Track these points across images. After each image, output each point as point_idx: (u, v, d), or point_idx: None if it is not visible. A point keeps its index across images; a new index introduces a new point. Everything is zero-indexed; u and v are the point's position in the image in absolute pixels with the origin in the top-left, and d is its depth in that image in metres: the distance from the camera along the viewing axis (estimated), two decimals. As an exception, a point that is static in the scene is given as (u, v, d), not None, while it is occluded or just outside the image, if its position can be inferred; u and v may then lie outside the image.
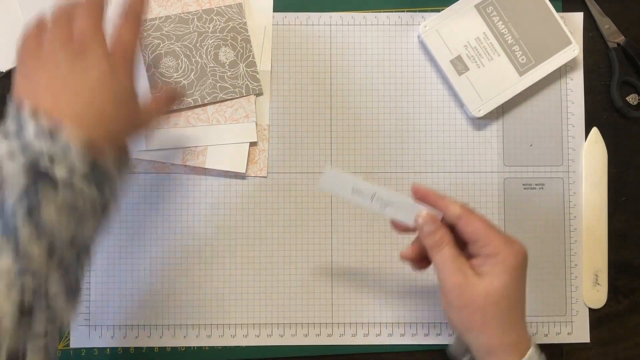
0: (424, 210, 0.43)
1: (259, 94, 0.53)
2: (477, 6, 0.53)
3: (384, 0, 0.55)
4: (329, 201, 0.54)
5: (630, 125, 0.55)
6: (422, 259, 0.45)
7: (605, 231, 0.54)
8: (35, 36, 0.39)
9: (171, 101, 0.47)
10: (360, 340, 0.53)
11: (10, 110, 0.36)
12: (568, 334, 0.54)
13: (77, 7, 0.39)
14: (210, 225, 0.53)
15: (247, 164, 0.53)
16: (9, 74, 0.53)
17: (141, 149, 0.52)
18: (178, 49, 0.52)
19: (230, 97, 0.52)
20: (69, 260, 0.36)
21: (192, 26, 0.51)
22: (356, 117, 0.54)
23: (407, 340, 0.53)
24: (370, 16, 0.55)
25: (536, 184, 0.54)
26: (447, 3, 0.53)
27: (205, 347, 0.53)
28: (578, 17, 0.55)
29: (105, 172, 0.37)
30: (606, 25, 0.55)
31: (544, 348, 0.54)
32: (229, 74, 0.52)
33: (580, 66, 0.55)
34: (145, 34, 0.51)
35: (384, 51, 0.55)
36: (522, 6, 0.53)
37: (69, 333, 0.53)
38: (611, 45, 0.55)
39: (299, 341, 0.53)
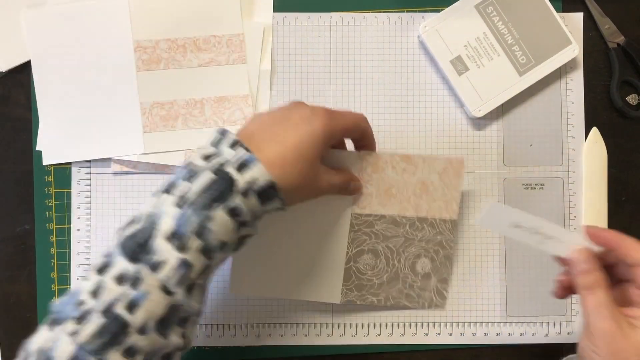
0: (580, 245, 0.41)
1: (441, 309, 0.53)
2: (477, 6, 0.53)
3: (384, 0, 0.55)
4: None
5: (630, 125, 0.55)
6: (567, 287, 0.43)
7: (605, 231, 0.54)
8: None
9: (350, 190, 0.47)
10: (360, 340, 0.53)
11: (218, 134, 0.40)
12: (568, 333, 0.54)
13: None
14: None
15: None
16: (9, 74, 0.54)
17: (142, 152, 0.52)
18: (381, 248, 0.52)
19: (412, 307, 0.52)
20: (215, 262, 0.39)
21: (402, 230, 0.51)
22: (356, 117, 0.54)
23: (407, 340, 0.53)
24: (370, 16, 0.55)
25: (536, 184, 0.54)
26: (447, 3, 0.53)
27: (205, 347, 0.53)
28: (578, 17, 0.55)
29: (273, 196, 0.39)
30: (606, 25, 0.55)
31: (544, 348, 0.54)
32: (419, 284, 0.52)
33: (580, 66, 0.55)
34: (356, 227, 0.51)
35: (384, 51, 0.55)
36: (522, 6, 0.53)
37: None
38: (611, 45, 0.55)
39: (299, 341, 0.53)
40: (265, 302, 0.53)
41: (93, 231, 0.53)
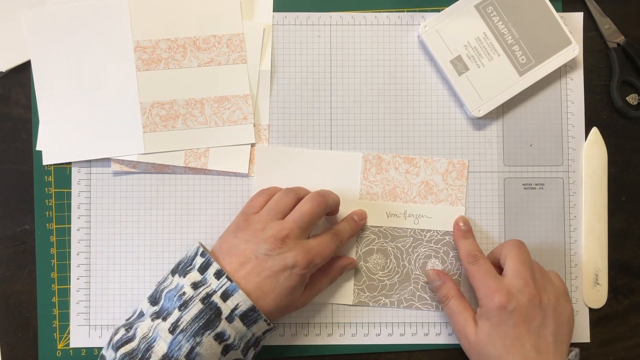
0: (432, 270, 0.52)
1: None
2: (477, 6, 0.53)
3: (384, 0, 0.55)
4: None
5: (630, 125, 0.55)
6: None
7: (605, 231, 0.54)
8: (257, 204, 0.48)
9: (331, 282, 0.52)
10: (360, 340, 0.53)
11: (204, 259, 0.45)
12: (568, 333, 0.54)
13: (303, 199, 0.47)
14: (210, 225, 0.53)
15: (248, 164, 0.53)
16: (9, 74, 0.54)
17: (142, 152, 0.52)
18: (390, 248, 0.53)
19: (426, 309, 0.53)
20: None
21: (409, 231, 0.53)
22: (356, 117, 0.54)
23: (407, 340, 0.53)
24: (370, 16, 0.55)
25: (536, 184, 0.54)
26: (447, 3, 0.53)
27: (205, 347, 0.53)
28: (578, 17, 0.55)
29: (257, 317, 0.44)
30: (606, 25, 0.55)
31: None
32: (430, 286, 0.53)
33: (580, 66, 0.55)
34: (363, 227, 0.53)
35: (384, 51, 0.55)
36: (522, 6, 0.53)
37: (68, 332, 0.53)
38: (611, 45, 0.55)
39: (299, 341, 0.53)
40: (265, 302, 0.53)
41: (93, 231, 0.53)
